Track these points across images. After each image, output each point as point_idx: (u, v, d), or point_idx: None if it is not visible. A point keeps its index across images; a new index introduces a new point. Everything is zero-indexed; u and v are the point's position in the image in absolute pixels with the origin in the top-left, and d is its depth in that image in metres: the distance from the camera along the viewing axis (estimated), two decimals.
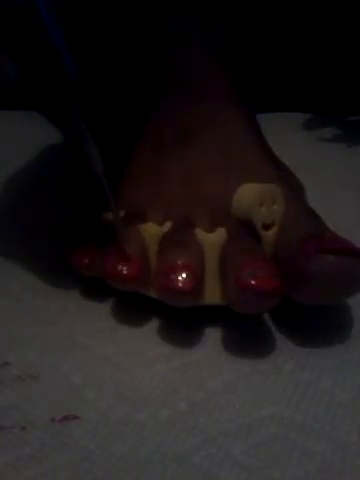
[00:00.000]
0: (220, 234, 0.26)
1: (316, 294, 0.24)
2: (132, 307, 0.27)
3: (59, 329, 0.26)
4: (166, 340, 0.25)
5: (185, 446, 0.21)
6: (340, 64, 0.48)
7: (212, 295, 0.25)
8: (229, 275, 0.24)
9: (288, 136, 0.45)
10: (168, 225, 0.27)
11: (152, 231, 0.27)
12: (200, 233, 0.26)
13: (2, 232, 0.33)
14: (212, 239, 0.26)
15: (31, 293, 0.29)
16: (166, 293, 0.24)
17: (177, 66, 0.31)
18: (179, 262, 0.24)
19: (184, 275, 0.23)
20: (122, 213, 0.28)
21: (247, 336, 0.26)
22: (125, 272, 0.25)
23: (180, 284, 0.23)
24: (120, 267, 0.25)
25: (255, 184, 0.27)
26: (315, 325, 0.26)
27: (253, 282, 0.23)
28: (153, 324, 0.26)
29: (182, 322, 0.26)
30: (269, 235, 0.26)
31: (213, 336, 0.26)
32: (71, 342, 0.26)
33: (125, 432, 0.21)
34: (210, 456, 0.20)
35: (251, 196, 0.26)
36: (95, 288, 0.28)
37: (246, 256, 0.24)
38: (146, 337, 0.26)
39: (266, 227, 0.26)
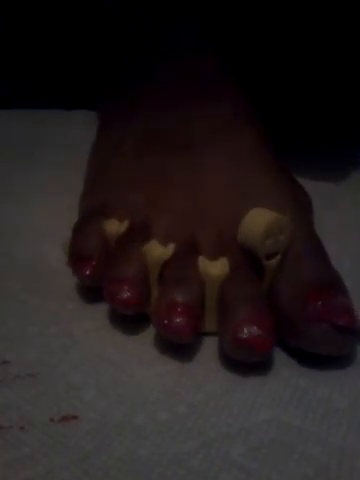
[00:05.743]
0: (223, 267, 0.26)
1: (311, 348, 0.24)
2: None
3: (58, 328, 0.26)
4: (165, 341, 0.25)
5: (183, 448, 0.21)
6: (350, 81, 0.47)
7: (212, 323, 0.25)
8: (226, 322, 0.24)
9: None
10: (171, 247, 0.26)
11: (155, 254, 0.26)
12: (203, 262, 0.26)
13: (2, 232, 0.33)
14: (215, 272, 0.25)
15: (31, 293, 0.29)
16: (165, 332, 0.24)
17: (192, 79, 0.30)
18: (179, 302, 0.24)
19: (184, 318, 0.24)
20: (126, 223, 0.28)
21: None
22: (125, 299, 0.25)
23: (179, 327, 0.23)
24: (120, 294, 0.25)
25: (264, 211, 0.26)
26: None
27: (248, 339, 0.23)
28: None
29: None
30: (271, 263, 0.26)
31: (212, 338, 0.26)
32: (70, 342, 0.26)
33: (124, 433, 0.21)
34: (209, 458, 0.20)
35: (259, 228, 0.25)
36: (95, 288, 0.28)
37: (245, 306, 0.24)
38: (145, 338, 0.26)
39: (269, 256, 0.26)
